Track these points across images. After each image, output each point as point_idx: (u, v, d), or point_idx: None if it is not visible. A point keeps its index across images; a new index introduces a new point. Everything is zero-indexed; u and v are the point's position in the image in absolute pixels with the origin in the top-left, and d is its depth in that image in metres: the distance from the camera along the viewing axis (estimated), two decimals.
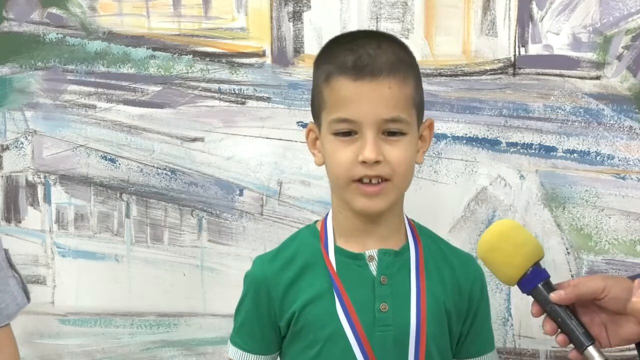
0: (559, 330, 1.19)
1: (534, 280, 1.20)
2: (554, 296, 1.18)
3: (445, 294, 1.40)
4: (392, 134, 1.33)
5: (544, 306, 1.20)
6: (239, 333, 1.45)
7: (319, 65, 1.39)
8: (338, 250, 1.40)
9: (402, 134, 1.33)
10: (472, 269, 1.45)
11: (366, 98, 1.31)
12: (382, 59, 1.32)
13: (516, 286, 1.22)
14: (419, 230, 1.44)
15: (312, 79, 1.41)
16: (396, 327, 1.36)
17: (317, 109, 1.38)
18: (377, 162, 1.31)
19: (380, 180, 1.32)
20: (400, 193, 1.38)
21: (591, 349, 1.16)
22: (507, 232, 1.23)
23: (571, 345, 1.19)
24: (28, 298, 1.48)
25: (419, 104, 1.37)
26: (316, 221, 1.46)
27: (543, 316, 1.21)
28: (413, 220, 1.45)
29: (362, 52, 1.32)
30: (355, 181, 1.33)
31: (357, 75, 1.31)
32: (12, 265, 1.46)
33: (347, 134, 1.33)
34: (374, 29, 1.72)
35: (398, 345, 1.36)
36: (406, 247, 1.41)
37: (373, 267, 1.38)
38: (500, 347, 1.73)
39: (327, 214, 1.43)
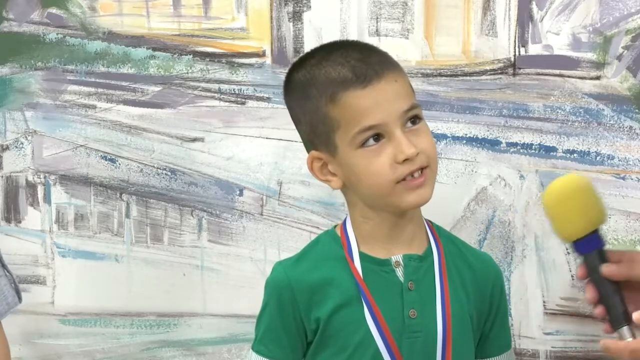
0: (599, 301, 1.17)
1: (590, 245, 1.18)
2: (605, 269, 1.16)
3: (467, 296, 1.40)
4: (412, 123, 1.33)
5: (591, 274, 1.18)
6: (262, 340, 1.42)
7: (308, 91, 1.36)
8: (363, 257, 1.38)
9: (419, 118, 1.34)
10: (491, 269, 1.45)
11: (382, 99, 1.31)
12: (374, 59, 1.33)
13: (566, 247, 1.19)
14: (437, 232, 1.44)
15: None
16: (425, 333, 1.36)
17: (323, 136, 1.35)
18: (417, 155, 1.31)
19: (421, 170, 1.32)
20: (435, 178, 1.37)
21: (625, 329, 1.15)
22: (582, 190, 1.19)
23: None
24: (20, 298, 1.47)
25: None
26: (335, 226, 1.45)
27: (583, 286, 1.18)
28: (431, 221, 1.45)
29: (353, 62, 1.32)
30: (399, 182, 1.32)
31: (364, 82, 1.31)
32: (3, 265, 1.45)
33: (376, 139, 1.31)
34: (374, 29, 1.72)
35: (426, 351, 1.36)
36: (429, 251, 1.40)
37: (400, 272, 1.37)
38: None
39: (345, 221, 1.42)
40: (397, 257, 1.38)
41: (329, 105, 1.33)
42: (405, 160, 1.30)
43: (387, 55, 1.38)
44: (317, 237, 1.46)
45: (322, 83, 1.33)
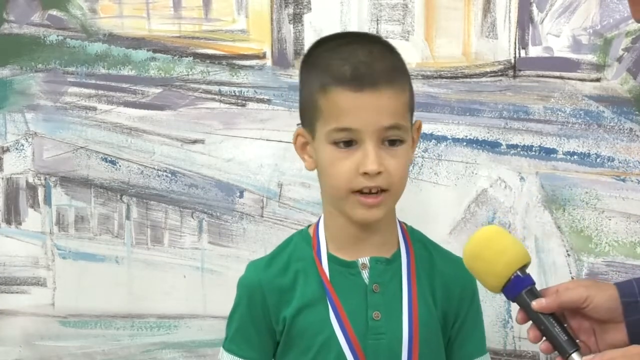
0: (544, 337, 1.17)
1: (516, 287, 1.17)
2: (535, 304, 1.16)
3: (435, 300, 1.40)
4: (391, 143, 1.32)
5: (528, 313, 1.17)
6: (234, 340, 1.43)
7: (310, 72, 1.37)
8: (331, 258, 1.39)
9: (400, 141, 1.33)
10: (462, 273, 1.44)
11: (367, 108, 1.30)
12: (378, 67, 1.31)
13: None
14: (410, 235, 1.43)
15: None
16: (389, 336, 1.36)
17: (309, 117, 1.36)
18: (378, 173, 1.30)
19: (379, 191, 1.32)
20: (397, 201, 1.38)
21: (575, 356, 1.13)
22: (488, 239, 1.21)
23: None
24: None
25: (412, 107, 1.37)
26: (308, 226, 1.46)
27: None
28: (405, 224, 1.45)
29: (356, 61, 1.31)
30: (355, 192, 1.32)
31: (357, 86, 1.30)
32: None
33: (347, 144, 1.31)
34: (374, 31, 1.72)
35: (391, 353, 1.36)
36: (397, 254, 1.40)
37: (365, 275, 1.38)
38: (500, 349, 1.73)
39: (319, 220, 1.43)
40: (364, 259, 1.38)
41: (320, 93, 1.33)
42: (366, 174, 1.30)
43: (398, 66, 1.36)
44: (291, 237, 1.47)
45: (322, 70, 1.33)
